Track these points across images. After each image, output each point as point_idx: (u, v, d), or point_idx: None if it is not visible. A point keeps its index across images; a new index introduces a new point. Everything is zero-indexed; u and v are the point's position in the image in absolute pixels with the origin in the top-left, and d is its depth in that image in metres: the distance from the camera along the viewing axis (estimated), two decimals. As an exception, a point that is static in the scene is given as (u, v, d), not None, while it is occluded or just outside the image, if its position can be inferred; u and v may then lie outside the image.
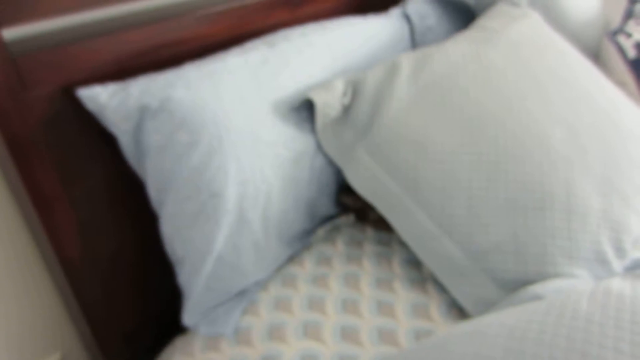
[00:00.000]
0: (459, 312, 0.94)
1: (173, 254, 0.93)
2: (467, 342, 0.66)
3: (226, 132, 0.85)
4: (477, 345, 0.66)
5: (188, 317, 0.94)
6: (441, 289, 0.99)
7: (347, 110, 1.02)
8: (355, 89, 1.02)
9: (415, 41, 1.30)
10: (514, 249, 0.90)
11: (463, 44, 1.08)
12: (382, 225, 1.17)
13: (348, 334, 0.89)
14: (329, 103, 0.98)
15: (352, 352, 0.86)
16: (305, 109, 1.01)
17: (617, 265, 0.95)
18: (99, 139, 0.90)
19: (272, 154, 0.92)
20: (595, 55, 1.37)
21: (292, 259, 1.08)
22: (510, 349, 0.63)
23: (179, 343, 0.99)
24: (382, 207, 1.00)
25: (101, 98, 0.82)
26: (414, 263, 1.07)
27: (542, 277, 0.89)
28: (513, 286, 0.90)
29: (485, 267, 0.91)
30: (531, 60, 1.06)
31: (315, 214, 1.11)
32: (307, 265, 1.06)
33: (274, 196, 0.94)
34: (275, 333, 0.90)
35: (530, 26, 1.14)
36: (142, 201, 0.92)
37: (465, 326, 0.71)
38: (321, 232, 1.17)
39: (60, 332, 1.00)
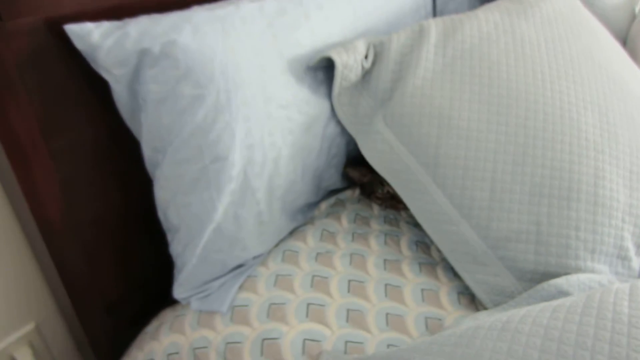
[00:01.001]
0: (470, 300, 0.88)
1: (166, 222, 0.84)
2: (499, 339, 0.60)
3: (235, 88, 0.75)
4: (510, 343, 0.60)
5: (179, 290, 0.86)
6: (452, 274, 0.93)
7: (367, 75, 0.92)
8: (377, 53, 0.93)
9: (436, 8, 1.20)
10: (536, 238, 0.85)
11: (495, 14, 0.99)
12: (390, 202, 1.10)
13: (354, 318, 0.82)
14: (349, 65, 0.88)
15: (359, 336, 0.80)
16: (322, 70, 0.91)
17: (637, 262, 0.91)
18: (87, 85, 0.78)
19: (283, 117, 0.83)
20: (623, 39, 1.31)
21: (293, 233, 1.00)
22: (548, 350, 0.57)
23: (167, 317, 0.91)
24: (397, 184, 0.92)
25: (93, 36, 0.70)
26: (423, 245, 1.00)
27: (562, 270, 0.83)
28: (531, 277, 0.84)
29: (504, 256, 0.85)
30: (566, 39, 0.99)
31: (320, 186, 1.02)
32: (310, 241, 0.98)
33: (281, 164, 0.85)
34: (275, 312, 0.83)
35: (565, 3, 1.06)
36: (133, 160, 0.82)
37: (492, 321, 0.65)
38: (324, 206, 1.09)
39: (35, 300, 0.91)
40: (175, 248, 0.85)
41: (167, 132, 0.74)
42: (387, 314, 0.84)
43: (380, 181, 1.09)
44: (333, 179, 1.03)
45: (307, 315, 0.82)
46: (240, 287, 0.88)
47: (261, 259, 0.94)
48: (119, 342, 0.95)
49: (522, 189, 0.86)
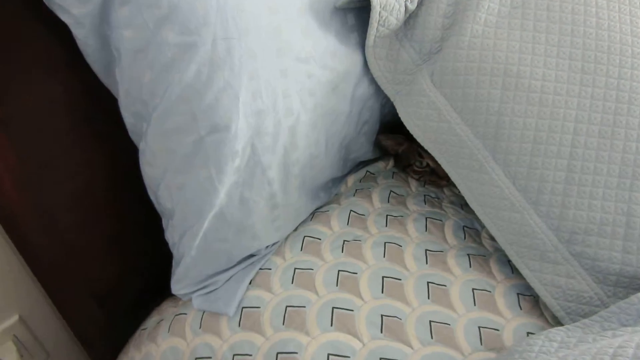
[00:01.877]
0: (533, 304, 0.71)
1: (158, 204, 0.68)
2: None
3: (238, 34, 0.56)
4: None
5: (178, 286, 0.72)
6: (509, 270, 0.76)
7: (412, 19, 0.72)
8: (425, -10, 0.72)
9: None
10: (625, 232, 0.66)
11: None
12: (430, 178, 0.92)
13: (390, 326, 0.66)
14: (389, 4, 0.68)
15: (396, 351, 0.64)
16: (352, 13, 0.71)
17: None
18: (47, 29, 0.61)
19: (302, 74, 0.64)
20: None
21: (315, 215, 0.84)
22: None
23: (167, 312, 0.77)
24: (445, 159, 0.73)
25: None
26: (472, 231, 0.83)
27: (658, 273, 0.65)
28: (616, 282, 0.66)
29: (581, 252, 0.67)
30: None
31: (347, 157, 0.85)
32: (335, 226, 0.81)
33: (300, 134, 0.67)
34: (292, 318, 0.68)
35: None
36: (117, 123, 0.65)
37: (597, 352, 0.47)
38: (352, 180, 0.92)
39: (18, 290, 0.77)
40: (171, 236, 0.70)
41: (150, 93, 0.57)
42: (430, 322, 0.67)
43: (419, 152, 0.90)
44: (363, 149, 0.85)
45: (332, 323, 0.67)
46: (252, 283, 0.73)
47: (276, 246, 0.78)
48: (114, 336, 0.82)
49: (610, 169, 0.67)
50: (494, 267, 0.76)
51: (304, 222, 0.82)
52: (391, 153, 0.97)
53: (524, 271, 0.71)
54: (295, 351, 0.64)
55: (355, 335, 0.66)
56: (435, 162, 0.89)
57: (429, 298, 0.71)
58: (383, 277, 0.73)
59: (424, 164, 0.91)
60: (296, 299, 0.70)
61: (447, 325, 0.67)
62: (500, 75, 0.67)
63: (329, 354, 0.64)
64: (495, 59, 0.67)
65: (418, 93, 0.71)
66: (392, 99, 0.75)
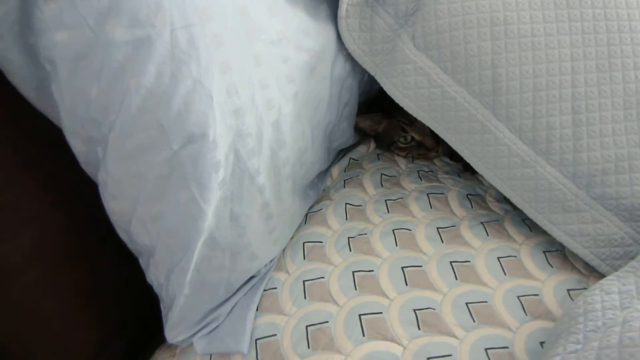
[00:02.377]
0: (562, 259, 0.67)
1: (132, 243, 0.57)
2: None
3: (200, 18, 0.46)
4: None
5: (174, 332, 0.61)
6: (527, 229, 0.71)
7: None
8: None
9: None
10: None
11: None
12: (417, 152, 0.86)
13: (427, 320, 0.59)
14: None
15: (443, 346, 0.57)
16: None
17: None
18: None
19: (277, 58, 0.55)
20: None
21: (309, 216, 0.75)
22: None
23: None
24: (442, 125, 0.67)
25: None
26: (478, 198, 0.77)
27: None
28: (643, 216, 0.63)
29: (602, 194, 0.63)
30: None
31: (330, 147, 0.77)
32: (334, 224, 0.73)
33: (284, 129, 0.59)
34: (318, 339, 0.59)
35: None
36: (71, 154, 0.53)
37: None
38: (337, 171, 0.84)
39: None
40: (155, 277, 0.59)
41: (101, 109, 0.46)
42: (467, 304, 0.61)
43: (402, 127, 0.84)
44: (346, 135, 0.77)
45: (363, 333, 0.58)
46: (258, 309, 0.63)
47: (275, 261, 0.68)
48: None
49: (615, 103, 0.63)
50: (511, 229, 0.71)
51: (298, 227, 0.73)
52: (370, 134, 0.90)
53: (548, 227, 0.66)
54: (334, 373, 0.56)
55: (392, 339, 0.58)
56: (421, 134, 0.83)
57: (456, 279, 0.64)
58: (402, 268, 0.66)
59: (409, 138, 0.85)
60: (315, 315, 0.61)
61: (484, 303, 0.61)
62: (488, 25, 0.62)
63: (371, 367, 0.56)
64: (479, 8, 0.61)
65: (402, 60, 0.64)
66: (372, 73, 0.68)
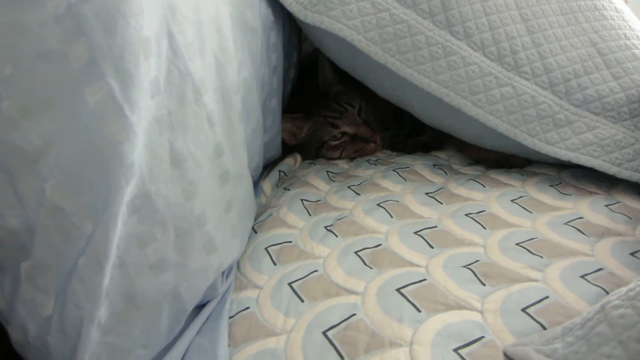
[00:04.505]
0: (574, 188, 0.56)
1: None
2: None
3: None
4: None
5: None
6: (520, 175, 0.60)
7: None
8: None
9: None
10: (603, 61, 0.58)
11: None
12: (353, 147, 0.72)
13: (491, 274, 0.40)
14: None
15: (539, 292, 0.38)
16: None
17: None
18: None
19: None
20: None
21: (255, 228, 0.53)
22: None
23: None
24: (398, 58, 0.56)
25: None
26: (446, 169, 0.65)
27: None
28: (629, 113, 0.57)
29: (584, 98, 0.57)
30: None
31: (265, 150, 0.59)
32: (297, 221, 0.53)
33: (227, 34, 0.42)
34: (351, 339, 0.35)
35: None
36: None
37: None
38: (268, 187, 0.64)
39: None
40: (30, 311, 0.30)
41: None
42: (518, 245, 0.44)
43: (330, 122, 0.70)
44: (275, 127, 0.61)
45: (419, 309, 0.36)
46: (232, 343, 0.37)
47: (232, 277, 0.44)
48: None
49: (553, 9, 0.60)
50: (504, 179, 0.59)
51: (251, 238, 0.50)
52: (293, 144, 0.74)
53: (547, 149, 0.55)
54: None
55: (461, 307, 0.37)
56: (354, 124, 0.70)
57: (485, 228, 0.48)
58: (417, 233, 0.47)
59: (339, 136, 0.71)
60: (330, 314, 0.37)
61: (534, 239, 0.45)
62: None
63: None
64: None
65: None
66: (302, 18, 0.55)
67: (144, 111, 0.30)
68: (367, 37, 0.54)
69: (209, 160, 0.36)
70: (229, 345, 0.37)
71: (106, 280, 0.30)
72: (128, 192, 0.30)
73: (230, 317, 0.40)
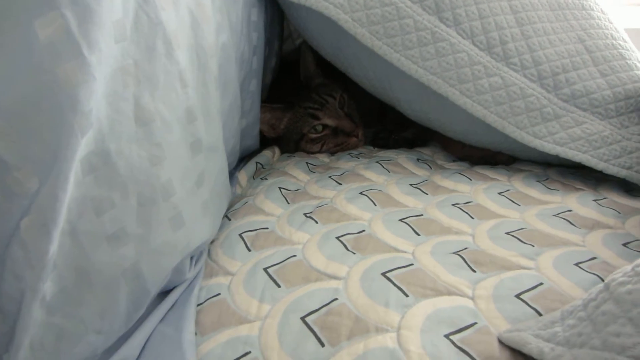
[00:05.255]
0: (561, 184, 0.54)
1: None
2: None
3: None
4: None
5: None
6: (505, 171, 0.58)
7: None
8: None
9: None
10: (591, 58, 0.58)
11: None
12: (334, 140, 0.69)
13: (482, 261, 0.38)
14: None
15: (532, 279, 0.35)
16: None
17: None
18: None
19: None
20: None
21: (229, 215, 0.49)
22: None
23: None
24: (386, 42, 0.54)
25: None
26: (430, 163, 0.62)
27: (638, 86, 0.58)
28: (616, 110, 0.56)
29: (572, 93, 0.56)
30: None
31: (240, 125, 0.55)
32: (275, 208, 0.49)
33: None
34: (334, 325, 0.31)
35: None
36: None
37: None
38: (244, 178, 0.60)
39: None
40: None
41: None
42: (508, 234, 0.42)
43: (311, 114, 0.68)
44: (254, 111, 0.57)
45: (406, 293, 0.34)
46: (200, 331, 0.33)
47: (203, 261, 0.40)
48: None
49: (542, 4, 0.59)
50: (490, 173, 0.57)
51: (223, 225, 0.47)
52: (271, 136, 0.71)
53: (535, 142, 0.54)
54: None
55: (451, 292, 0.34)
56: (336, 117, 0.68)
57: (472, 217, 0.46)
58: (402, 221, 0.44)
59: (319, 129, 0.68)
60: (310, 299, 0.34)
61: (524, 229, 0.43)
62: None
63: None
64: None
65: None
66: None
67: (105, 55, 0.26)
68: (353, 18, 0.52)
69: (179, 123, 0.33)
70: (195, 334, 0.33)
71: (53, 248, 0.26)
72: (83, 146, 0.26)
73: (199, 304, 0.36)
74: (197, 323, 0.34)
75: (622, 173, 0.53)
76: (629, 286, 0.25)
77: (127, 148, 0.29)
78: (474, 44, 0.54)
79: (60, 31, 0.24)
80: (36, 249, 0.25)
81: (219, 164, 0.41)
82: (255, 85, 0.56)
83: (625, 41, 0.63)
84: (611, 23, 0.64)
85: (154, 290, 0.33)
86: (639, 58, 0.63)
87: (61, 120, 0.25)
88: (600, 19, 0.63)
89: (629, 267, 0.27)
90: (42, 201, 0.25)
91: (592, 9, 0.63)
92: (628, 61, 0.60)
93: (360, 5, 0.52)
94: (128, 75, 0.29)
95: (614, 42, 0.61)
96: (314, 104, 0.68)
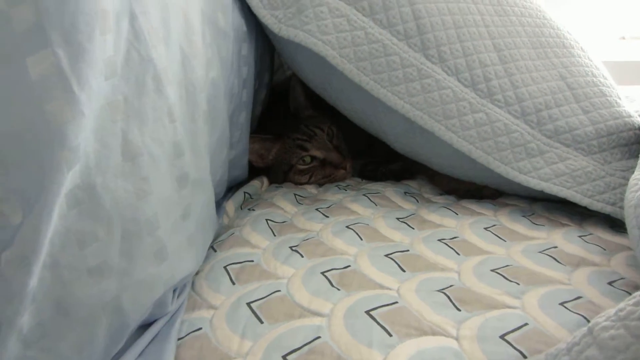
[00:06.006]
0: (546, 219, 0.55)
1: None
2: None
3: None
4: None
5: None
6: (491, 206, 0.59)
7: None
8: None
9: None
10: (572, 95, 0.59)
11: None
12: (324, 172, 0.69)
13: (464, 298, 0.38)
14: None
15: (517, 319, 0.35)
16: None
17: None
18: None
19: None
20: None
21: (215, 246, 0.49)
22: None
23: None
24: (373, 78, 0.54)
25: None
26: (417, 197, 0.63)
27: (620, 123, 0.59)
28: (598, 146, 0.57)
29: (556, 129, 0.57)
30: None
31: (228, 158, 0.56)
32: (260, 240, 0.49)
33: (195, 22, 0.40)
34: (315, 366, 0.31)
35: None
36: None
37: None
38: (232, 208, 0.60)
39: None
40: None
41: None
42: (494, 271, 0.42)
43: (299, 145, 0.68)
44: (242, 143, 0.58)
45: (390, 333, 0.33)
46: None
47: (185, 294, 0.40)
48: None
49: (524, 42, 0.61)
50: (476, 208, 0.58)
51: (209, 256, 0.46)
52: (260, 166, 0.71)
53: (520, 177, 0.54)
54: None
55: (435, 332, 0.34)
56: (324, 149, 0.68)
57: (458, 254, 0.46)
58: (388, 256, 0.44)
59: (308, 160, 0.69)
60: (292, 336, 0.34)
61: (509, 267, 0.43)
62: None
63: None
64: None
65: (312, 4, 0.52)
66: (276, 31, 0.53)
67: (95, 92, 0.27)
68: (341, 54, 0.53)
69: (167, 158, 0.33)
70: (174, 370, 0.32)
71: (33, 282, 0.25)
72: (69, 180, 0.26)
73: (180, 339, 0.35)
74: (177, 358, 0.33)
75: (607, 209, 0.53)
76: (612, 331, 0.25)
77: (113, 182, 0.29)
78: (459, 81, 0.55)
79: (51, 69, 0.24)
80: (15, 282, 0.25)
81: (206, 196, 0.41)
82: (244, 118, 0.57)
83: (605, 78, 0.65)
84: (591, 60, 0.66)
85: (134, 324, 0.32)
86: (619, 95, 0.65)
87: (48, 155, 0.25)
88: (580, 57, 0.65)
89: (612, 311, 0.27)
90: (25, 234, 0.25)
91: (573, 47, 0.65)
92: (609, 98, 0.61)
93: (348, 42, 0.53)
94: (117, 110, 0.29)
95: (595, 79, 0.63)
96: (302, 135, 0.69)
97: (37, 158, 0.25)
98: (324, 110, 0.72)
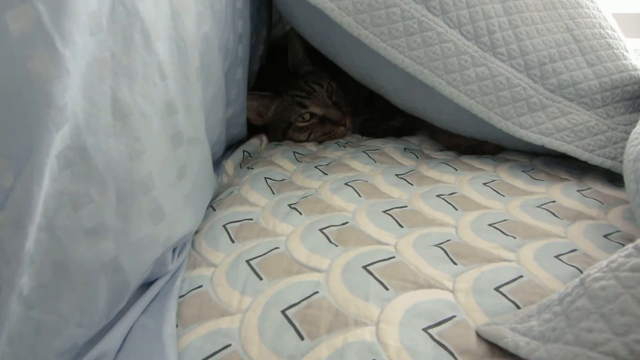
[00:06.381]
0: (547, 174, 0.54)
1: None
2: None
3: None
4: None
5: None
6: (492, 161, 0.58)
7: None
8: None
9: None
10: (578, 47, 0.57)
11: None
12: (323, 130, 0.69)
13: (462, 253, 0.38)
14: None
15: (511, 272, 0.36)
16: None
17: None
18: None
19: None
20: None
21: (214, 205, 0.49)
22: None
23: None
24: (372, 30, 0.53)
25: None
26: (417, 153, 0.62)
27: (625, 76, 0.57)
28: (602, 100, 0.56)
29: (559, 83, 0.55)
30: None
31: (226, 114, 0.55)
32: (260, 199, 0.49)
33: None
34: (313, 319, 0.32)
35: None
36: None
37: None
38: (231, 167, 0.60)
39: None
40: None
41: None
42: (491, 226, 0.42)
43: (298, 102, 0.67)
44: (239, 100, 0.57)
45: (386, 287, 0.34)
46: (181, 324, 0.33)
47: (186, 252, 0.40)
48: None
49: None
50: (476, 163, 0.58)
51: (208, 215, 0.47)
52: (259, 124, 0.70)
53: (520, 132, 0.54)
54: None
55: (431, 285, 0.35)
56: (324, 105, 0.67)
57: (456, 209, 0.46)
58: (385, 212, 0.44)
59: (307, 117, 0.68)
60: (292, 292, 0.34)
61: (506, 221, 0.43)
62: None
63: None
64: None
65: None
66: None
67: (80, 48, 0.26)
68: (339, 6, 0.51)
69: (159, 117, 0.32)
70: (177, 326, 0.33)
71: (29, 244, 0.26)
72: (58, 141, 0.26)
73: (181, 296, 0.36)
74: (178, 315, 0.34)
75: (607, 163, 0.53)
76: (603, 282, 0.26)
77: (105, 142, 0.28)
78: (461, 34, 0.54)
79: (32, 24, 0.24)
80: (11, 245, 0.25)
81: (202, 155, 0.41)
82: (241, 74, 0.56)
83: (613, 30, 0.63)
84: (599, 11, 0.64)
85: (135, 283, 0.33)
86: (626, 47, 0.63)
87: (34, 115, 0.24)
88: (588, 7, 0.62)
89: (604, 263, 0.27)
90: (17, 197, 0.25)
91: (581, -3, 0.63)
92: (615, 50, 0.59)
93: (347, -5, 0.51)
94: (105, 68, 0.28)
95: (602, 31, 0.61)
96: (301, 92, 0.68)
97: (23, 119, 0.24)
98: (323, 66, 0.71)
